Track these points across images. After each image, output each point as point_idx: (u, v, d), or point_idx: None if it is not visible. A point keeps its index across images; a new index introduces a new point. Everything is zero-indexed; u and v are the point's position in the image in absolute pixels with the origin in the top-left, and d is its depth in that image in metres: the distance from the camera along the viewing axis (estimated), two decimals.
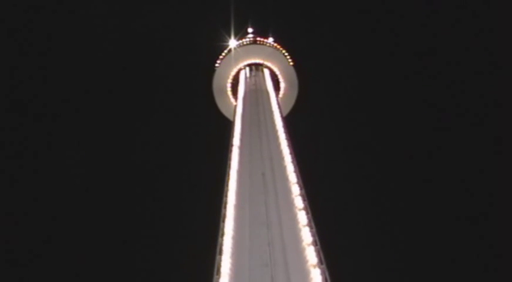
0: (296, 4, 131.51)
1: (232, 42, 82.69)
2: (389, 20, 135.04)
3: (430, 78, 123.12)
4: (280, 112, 64.15)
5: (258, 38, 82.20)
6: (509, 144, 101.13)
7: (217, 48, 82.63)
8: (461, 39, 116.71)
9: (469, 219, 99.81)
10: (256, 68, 78.10)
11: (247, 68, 78.36)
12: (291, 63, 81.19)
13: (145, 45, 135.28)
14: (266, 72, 77.87)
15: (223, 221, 40.65)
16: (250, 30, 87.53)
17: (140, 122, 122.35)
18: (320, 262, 34.99)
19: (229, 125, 67.94)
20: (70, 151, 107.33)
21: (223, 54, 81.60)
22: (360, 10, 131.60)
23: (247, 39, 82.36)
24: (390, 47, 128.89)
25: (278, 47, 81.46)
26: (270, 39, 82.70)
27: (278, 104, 67.59)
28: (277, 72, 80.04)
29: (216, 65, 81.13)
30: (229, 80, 79.62)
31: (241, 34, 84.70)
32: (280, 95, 78.44)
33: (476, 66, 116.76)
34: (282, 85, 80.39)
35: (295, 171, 46.97)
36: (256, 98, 68.27)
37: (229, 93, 79.58)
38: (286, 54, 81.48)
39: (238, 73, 78.96)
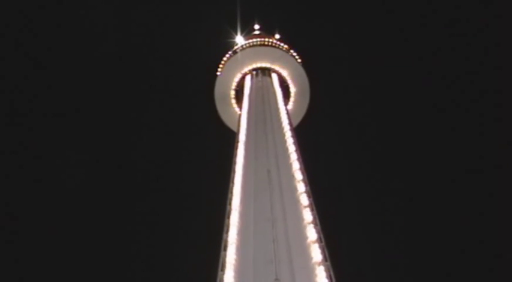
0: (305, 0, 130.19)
1: (239, 39, 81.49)
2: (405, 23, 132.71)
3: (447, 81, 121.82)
4: (286, 110, 63.94)
5: (266, 39, 79.03)
6: (510, 144, 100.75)
7: (224, 45, 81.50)
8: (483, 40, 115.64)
9: (470, 219, 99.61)
10: (262, 72, 74.92)
11: (254, 72, 75.05)
12: (302, 68, 77.85)
13: (147, 44, 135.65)
14: (273, 74, 75.52)
15: (228, 218, 40.72)
16: (256, 27, 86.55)
17: (142, 120, 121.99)
18: (325, 259, 35.00)
19: (233, 129, 67.47)
20: (70, 152, 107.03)
21: (229, 55, 78.71)
22: (375, 6, 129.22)
23: (254, 40, 78.91)
24: (403, 48, 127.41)
25: (287, 48, 77.62)
26: (277, 36, 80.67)
27: (284, 101, 67.27)
28: (286, 75, 75.95)
29: (218, 71, 78.59)
30: (234, 85, 76.05)
31: (247, 31, 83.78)
32: (290, 103, 75.90)
33: (478, 67, 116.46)
34: (292, 90, 76.49)
35: (300, 169, 46.85)
36: (262, 95, 67.98)
37: (233, 97, 76.79)
38: (296, 57, 77.77)
39: (244, 77, 75.50)
